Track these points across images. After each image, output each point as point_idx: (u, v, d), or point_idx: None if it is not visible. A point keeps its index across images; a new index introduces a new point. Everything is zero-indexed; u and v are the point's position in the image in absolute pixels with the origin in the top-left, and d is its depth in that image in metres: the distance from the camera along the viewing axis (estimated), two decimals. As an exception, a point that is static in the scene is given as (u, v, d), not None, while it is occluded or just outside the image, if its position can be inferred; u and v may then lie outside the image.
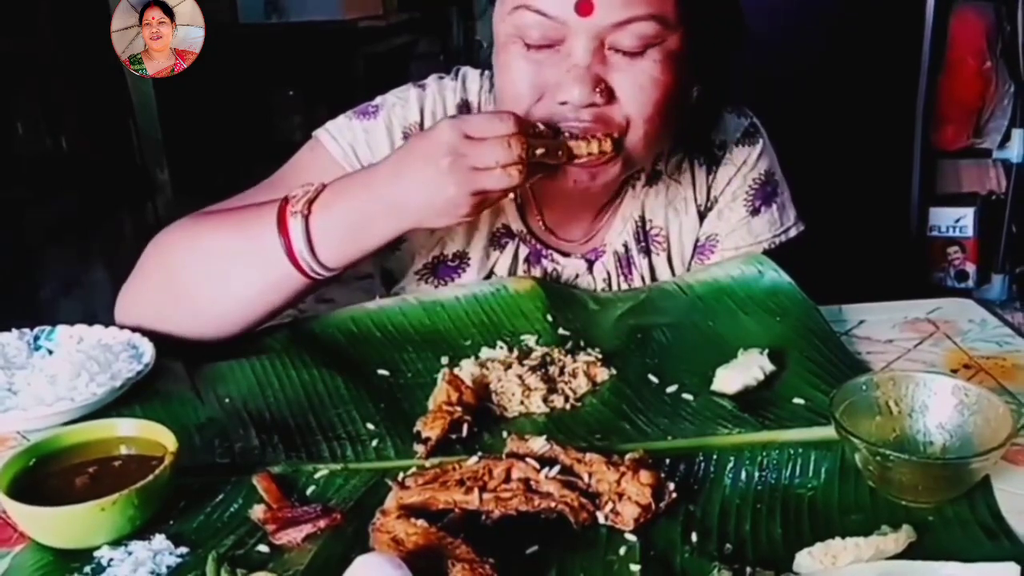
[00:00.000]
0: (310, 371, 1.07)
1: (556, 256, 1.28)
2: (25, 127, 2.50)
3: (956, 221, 3.04)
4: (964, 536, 0.79)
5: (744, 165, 1.28)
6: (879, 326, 1.18)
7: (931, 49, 2.82)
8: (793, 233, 1.31)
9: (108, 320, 1.13)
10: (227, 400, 1.02)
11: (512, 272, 1.26)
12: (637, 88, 1.07)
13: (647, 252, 1.29)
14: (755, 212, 1.29)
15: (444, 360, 1.09)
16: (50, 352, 1.09)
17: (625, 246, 1.28)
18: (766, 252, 1.27)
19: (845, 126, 2.76)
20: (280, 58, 3.86)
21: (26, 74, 2.56)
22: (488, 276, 1.27)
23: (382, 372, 1.08)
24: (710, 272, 1.24)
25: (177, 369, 1.08)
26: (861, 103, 2.77)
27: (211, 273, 1.10)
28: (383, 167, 1.05)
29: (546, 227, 1.27)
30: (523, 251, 1.26)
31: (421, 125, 1.24)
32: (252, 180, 1.26)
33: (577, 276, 1.28)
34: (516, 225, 1.26)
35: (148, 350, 1.07)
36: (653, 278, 1.30)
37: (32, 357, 1.08)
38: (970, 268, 3.09)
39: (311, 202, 1.05)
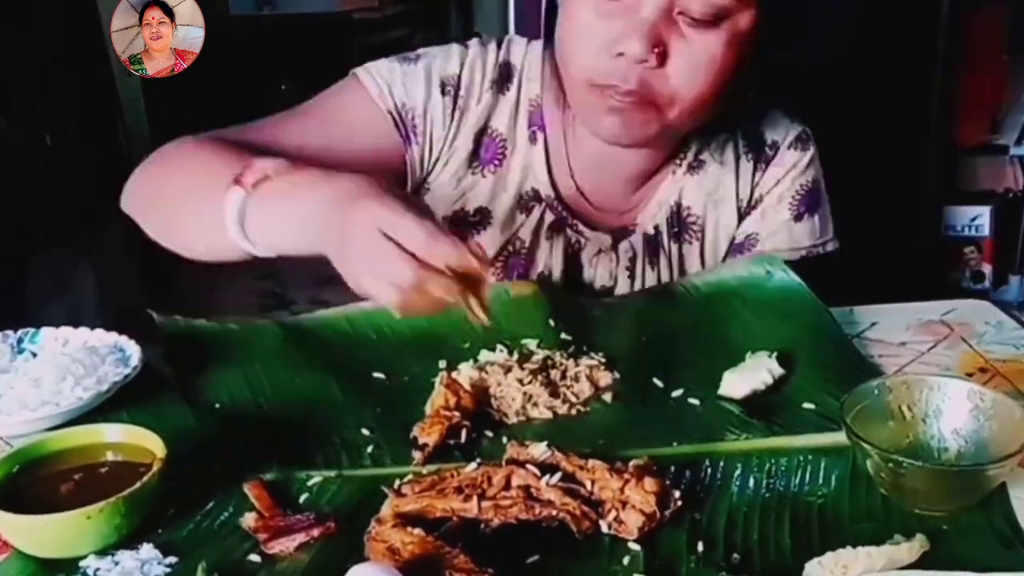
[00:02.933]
0: (303, 374, 1.06)
1: (581, 227, 1.27)
2: (9, 124, 2.51)
3: (972, 220, 3.02)
4: (979, 546, 0.79)
5: (794, 168, 1.28)
6: (892, 328, 1.17)
7: (947, 42, 2.80)
8: (831, 248, 1.32)
9: (94, 322, 1.12)
10: (217, 405, 1.02)
11: (536, 237, 1.26)
12: (692, 63, 1.08)
13: (679, 239, 1.29)
14: (798, 218, 1.29)
15: (442, 363, 1.08)
16: (34, 355, 1.08)
17: (656, 229, 1.28)
18: (802, 261, 1.27)
19: (859, 122, 2.74)
20: (272, 51, 3.86)
21: (12, 71, 2.57)
22: (511, 239, 1.26)
23: (378, 375, 1.07)
24: (717, 273, 1.24)
25: (166, 373, 1.07)
26: (875, 98, 2.76)
27: (180, 202, 1.09)
28: (337, 184, 0.95)
29: (578, 189, 1.27)
30: (548, 217, 1.26)
31: (459, 79, 1.24)
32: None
33: (600, 251, 1.27)
34: (544, 190, 1.26)
35: (135, 353, 1.05)
36: (681, 267, 1.29)
37: (15, 360, 1.07)
38: (987, 269, 3.06)
39: (260, 180, 0.98)
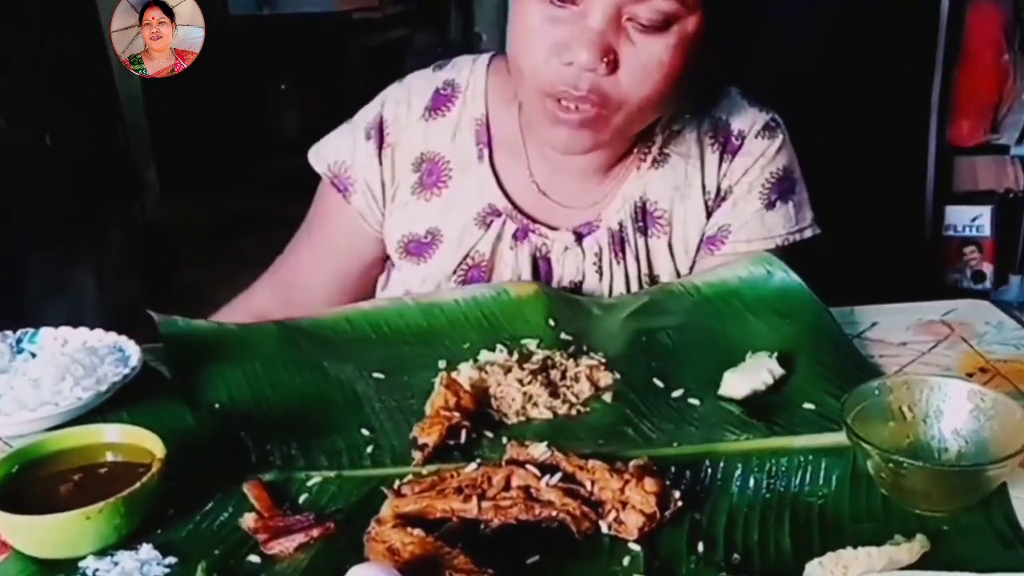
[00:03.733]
0: (303, 374, 1.06)
1: (544, 230, 1.27)
2: (9, 124, 2.51)
3: (972, 220, 3.00)
4: (980, 546, 0.78)
5: (762, 157, 1.28)
6: (892, 328, 1.17)
7: (946, 42, 2.80)
8: (808, 234, 1.31)
9: (94, 322, 1.12)
10: (217, 405, 1.01)
11: (496, 248, 1.26)
12: (641, 68, 1.09)
13: (644, 232, 1.28)
14: (770, 206, 1.28)
15: (442, 364, 1.08)
16: (33, 355, 1.07)
17: (620, 224, 1.27)
18: (779, 250, 1.26)
19: (857, 121, 2.73)
20: (272, 51, 3.85)
21: (12, 71, 2.57)
22: (469, 252, 1.27)
23: (378, 375, 1.07)
24: (717, 273, 1.23)
25: (165, 373, 1.07)
26: (874, 97, 2.75)
27: None
28: None
29: (540, 190, 1.27)
30: (509, 228, 1.26)
31: (380, 119, 1.28)
32: (246, 179, 1.26)
33: (566, 249, 1.27)
34: (501, 203, 1.26)
35: (135, 353, 1.05)
36: (649, 261, 1.29)
37: (15, 360, 1.06)
38: (987, 269, 3.05)
39: None
